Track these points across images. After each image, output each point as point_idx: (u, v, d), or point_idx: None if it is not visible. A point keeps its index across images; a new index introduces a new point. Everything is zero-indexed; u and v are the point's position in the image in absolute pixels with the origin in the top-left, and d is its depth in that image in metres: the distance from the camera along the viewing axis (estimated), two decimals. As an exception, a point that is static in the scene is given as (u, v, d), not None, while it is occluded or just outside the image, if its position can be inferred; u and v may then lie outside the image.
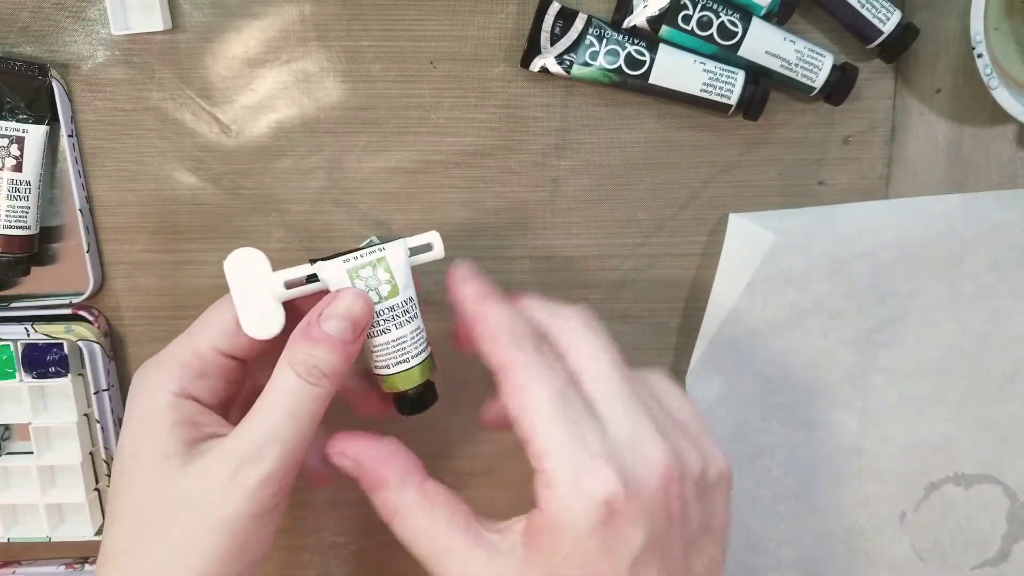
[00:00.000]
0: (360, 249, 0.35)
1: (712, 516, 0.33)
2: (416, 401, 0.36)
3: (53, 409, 0.46)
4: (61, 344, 0.44)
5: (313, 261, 0.35)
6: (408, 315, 0.35)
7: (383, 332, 0.34)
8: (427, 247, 0.36)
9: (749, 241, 0.44)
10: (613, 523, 0.29)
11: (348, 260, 0.34)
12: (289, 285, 0.34)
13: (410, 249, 0.36)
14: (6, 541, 0.47)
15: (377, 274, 0.34)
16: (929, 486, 0.49)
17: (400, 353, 0.35)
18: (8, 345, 0.44)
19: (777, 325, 0.46)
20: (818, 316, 0.46)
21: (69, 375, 0.44)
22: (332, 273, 0.34)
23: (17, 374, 0.44)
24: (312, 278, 0.34)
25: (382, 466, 0.33)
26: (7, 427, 0.47)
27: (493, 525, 0.33)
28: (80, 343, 0.44)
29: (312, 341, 0.32)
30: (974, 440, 0.48)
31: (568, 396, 0.31)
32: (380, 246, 0.35)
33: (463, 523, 0.32)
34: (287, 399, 0.32)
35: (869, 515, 0.49)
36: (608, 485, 0.29)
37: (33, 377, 0.44)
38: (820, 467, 0.48)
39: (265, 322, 0.34)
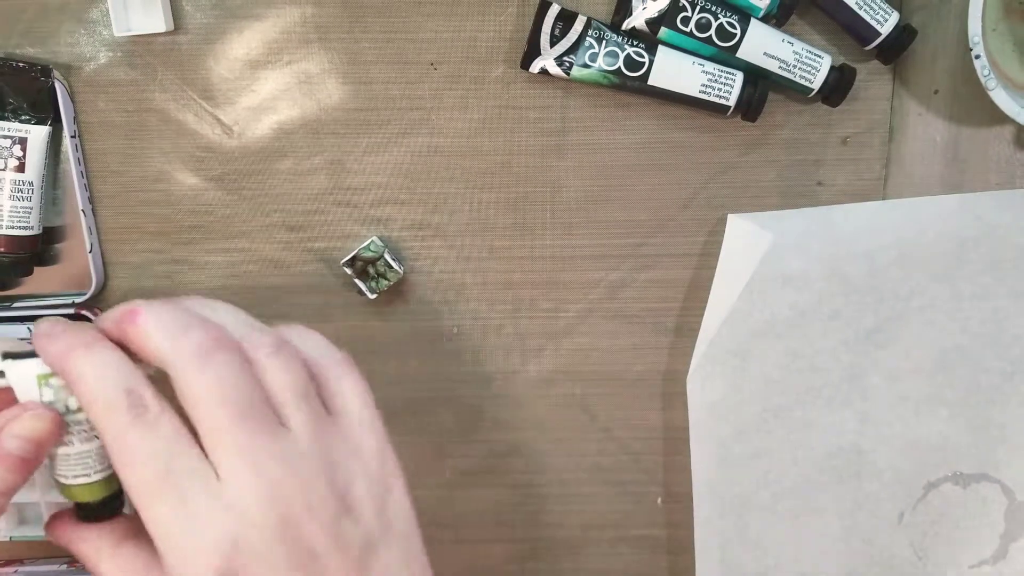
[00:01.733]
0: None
1: (372, 527, 0.32)
2: (98, 511, 0.34)
3: (55, 408, 0.46)
4: (63, 344, 0.44)
5: (7, 356, 0.32)
6: (95, 431, 0.32)
7: (66, 444, 0.32)
8: None
9: (748, 242, 0.44)
10: None
11: (41, 363, 0.31)
12: None
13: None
14: (8, 540, 0.47)
15: (63, 391, 0.31)
16: (928, 485, 0.49)
17: (82, 467, 0.33)
18: (11, 345, 0.44)
19: (776, 325, 0.46)
20: (817, 316, 0.46)
21: (71, 375, 0.45)
22: (20, 376, 0.31)
23: (20, 374, 0.44)
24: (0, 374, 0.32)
25: (84, 549, 0.33)
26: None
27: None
28: (82, 343, 0.44)
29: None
30: (972, 440, 0.48)
31: (171, 468, 0.29)
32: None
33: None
34: None
35: (868, 514, 0.49)
36: (215, 557, 0.28)
37: (35, 377, 0.45)
38: (819, 467, 0.48)
39: None
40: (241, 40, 0.43)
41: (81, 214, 0.44)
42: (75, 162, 0.43)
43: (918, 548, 0.49)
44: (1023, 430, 0.48)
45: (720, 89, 0.42)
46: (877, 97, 0.44)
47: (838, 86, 0.42)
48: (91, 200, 0.45)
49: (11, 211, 0.42)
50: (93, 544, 0.33)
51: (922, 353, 0.47)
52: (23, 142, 0.42)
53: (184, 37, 0.43)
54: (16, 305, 0.45)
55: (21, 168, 0.42)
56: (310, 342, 0.35)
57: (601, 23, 0.42)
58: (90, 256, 0.44)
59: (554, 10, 0.42)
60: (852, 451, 0.48)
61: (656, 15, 0.41)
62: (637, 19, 0.41)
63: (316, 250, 0.46)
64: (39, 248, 0.45)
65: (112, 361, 0.30)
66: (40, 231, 0.44)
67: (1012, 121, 0.41)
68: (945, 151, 0.45)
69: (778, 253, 0.44)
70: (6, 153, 0.42)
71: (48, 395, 0.31)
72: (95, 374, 0.29)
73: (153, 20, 0.42)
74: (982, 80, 0.40)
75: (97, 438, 0.32)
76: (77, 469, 0.33)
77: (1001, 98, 0.40)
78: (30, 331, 0.44)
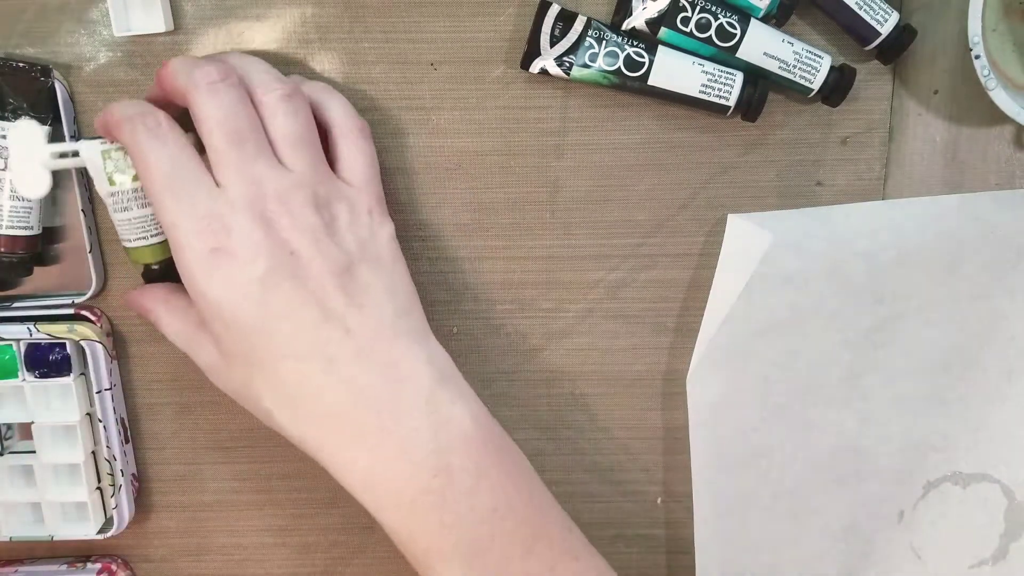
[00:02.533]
0: None
1: (350, 242, 0.37)
2: (157, 275, 0.42)
3: (55, 408, 0.46)
4: (63, 344, 0.44)
5: (78, 139, 0.42)
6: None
7: (125, 210, 0.40)
8: None
9: (747, 242, 0.44)
10: (221, 266, 0.35)
11: (104, 142, 0.39)
12: (57, 156, 0.41)
13: None
14: (8, 540, 0.47)
15: (127, 158, 0.39)
16: (927, 485, 0.49)
17: (141, 230, 0.41)
18: (11, 345, 0.44)
19: (775, 325, 0.46)
20: (816, 316, 0.46)
21: (71, 375, 0.45)
22: (89, 151, 0.40)
23: (19, 373, 0.45)
24: (76, 153, 0.40)
25: (144, 301, 0.42)
26: (9, 426, 0.47)
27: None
28: (82, 343, 0.44)
29: None
30: (972, 439, 0.48)
31: (176, 171, 0.36)
32: None
33: (198, 319, 0.38)
34: None
35: (867, 514, 0.49)
36: (200, 236, 0.35)
37: (35, 376, 0.45)
38: (819, 467, 0.48)
39: (34, 185, 0.41)
40: (241, 40, 0.43)
41: (81, 214, 0.44)
42: (75, 162, 0.43)
43: (918, 548, 0.50)
44: (1023, 430, 0.48)
45: (720, 89, 0.42)
46: (877, 97, 0.44)
47: (838, 86, 0.42)
48: (91, 200, 0.45)
49: (11, 211, 0.42)
50: (150, 294, 0.41)
51: (922, 353, 0.47)
52: (23, 142, 0.42)
53: (184, 37, 0.43)
54: (16, 305, 0.45)
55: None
56: (332, 102, 0.40)
57: (601, 23, 0.42)
58: (90, 256, 0.44)
59: (554, 10, 0.42)
60: (852, 451, 0.48)
61: (656, 15, 0.41)
62: (637, 19, 0.41)
63: (316, 250, 0.46)
64: (39, 248, 0.45)
65: (137, 101, 0.38)
66: (40, 231, 0.44)
67: (1012, 121, 0.41)
68: (945, 151, 0.45)
69: (778, 253, 0.45)
70: (6, 153, 0.42)
71: (111, 166, 0.39)
72: (121, 107, 0.37)
73: (153, 20, 0.42)
74: (982, 80, 0.40)
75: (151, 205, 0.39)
76: (137, 231, 0.41)
77: (1001, 98, 0.40)
78: (30, 331, 0.44)
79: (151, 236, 0.41)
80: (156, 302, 0.41)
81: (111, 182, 0.40)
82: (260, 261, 0.35)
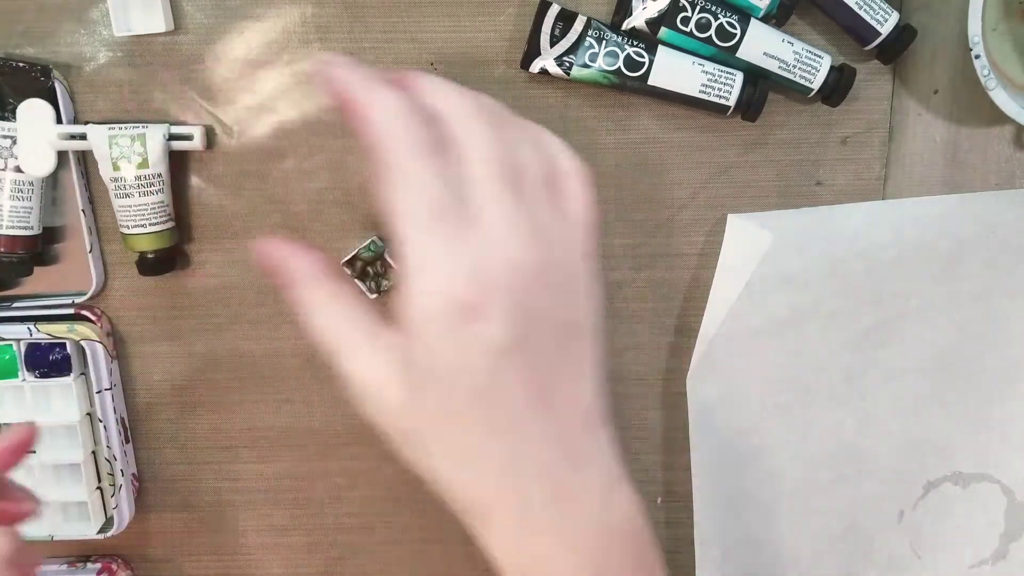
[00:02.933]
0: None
1: (573, 311, 0.34)
2: (151, 264, 0.43)
3: (56, 408, 0.46)
4: (64, 343, 0.44)
5: (87, 123, 0.43)
6: (152, 188, 0.41)
7: (126, 196, 0.41)
8: (188, 136, 0.43)
9: (747, 241, 0.44)
10: (468, 323, 0.31)
11: (112, 128, 0.40)
12: (65, 137, 0.42)
13: (170, 134, 0.42)
14: (9, 540, 0.47)
15: (133, 146, 0.40)
16: (927, 485, 0.49)
17: (139, 218, 0.42)
18: (11, 345, 0.44)
19: (776, 325, 0.46)
20: (816, 316, 0.46)
21: (71, 374, 0.45)
22: (96, 135, 0.41)
23: (20, 373, 0.45)
24: (83, 136, 0.41)
25: (295, 263, 0.35)
26: (10, 426, 0.47)
27: (391, 323, 0.34)
28: (83, 342, 0.44)
29: None
30: (972, 439, 0.48)
31: (444, 205, 0.31)
32: (145, 124, 0.42)
33: (363, 320, 0.34)
34: None
35: (868, 514, 0.49)
36: (459, 287, 0.30)
37: (36, 376, 0.45)
38: (819, 467, 0.48)
39: (40, 163, 0.42)
40: (241, 40, 0.43)
41: (81, 214, 0.44)
42: (75, 162, 0.43)
43: (918, 548, 0.50)
44: (1022, 430, 0.48)
45: (720, 89, 0.42)
46: (877, 97, 0.44)
47: (838, 86, 0.42)
48: (91, 200, 0.45)
49: (11, 211, 0.42)
50: (353, 322, 0.35)
51: (921, 353, 0.47)
52: (23, 142, 0.42)
53: (184, 37, 0.43)
54: (16, 305, 0.45)
55: (21, 168, 0.42)
56: (548, 142, 0.36)
57: (601, 23, 0.42)
58: (90, 256, 0.44)
59: (554, 10, 0.42)
60: (852, 451, 0.48)
61: (656, 15, 0.41)
62: (637, 19, 0.41)
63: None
64: (39, 248, 0.45)
65: (403, 97, 0.32)
66: (40, 231, 0.44)
67: (1012, 121, 0.41)
68: (945, 151, 0.45)
69: (778, 253, 0.44)
70: (6, 153, 0.42)
71: (116, 152, 0.40)
72: (393, 100, 0.32)
73: (153, 20, 0.42)
74: (982, 80, 0.40)
75: (153, 194, 0.41)
76: (137, 219, 0.42)
77: (1001, 98, 0.40)
78: (30, 331, 0.44)
79: (150, 225, 0.42)
80: (358, 332, 0.35)
81: (115, 167, 0.41)
82: (509, 330, 0.32)
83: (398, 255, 0.31)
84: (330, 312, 0.34)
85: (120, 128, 0.41)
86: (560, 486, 0.33)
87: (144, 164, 0.41)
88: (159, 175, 0.42)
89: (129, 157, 0.41)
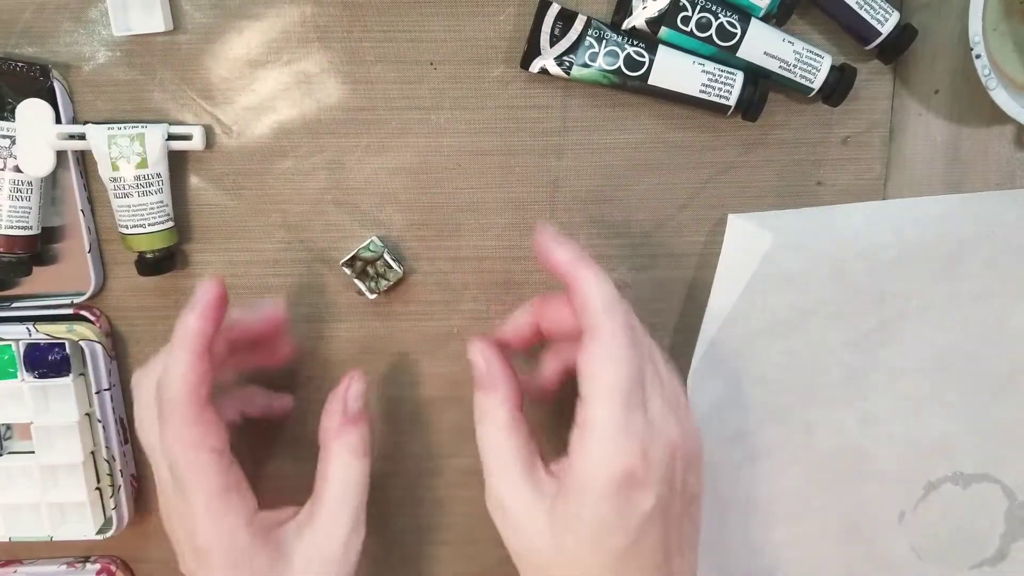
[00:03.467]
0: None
1: (696, 485, 0.38)
2: (150, 264, 0.43)
3: (55, 408, 0.46)
4: (63, 344, 0.44)
5: (87, 122, 0.42)
6: (151, 188, 0.41)
7: (125, 196, 0.41)
8: (187, 136, 0.43)
9: (748, 242, 0.44)
10: (629, 490, 0.34)
11: (111, 128, 0.41)
12: (64, 137, 0.42)
13: (169, 134, 0.42)
14: (7, 540, 0.47)
15: (132, 146, 0.41)
16: (928, 485, 0.49)
17: (138, 218, 0.42)
18: (10, 345, 0.44)
19: (776, 326, 0.46)
20: (817, 316, 0.46)
21: (71, 375, 0.45)
22: (95, 135, 0.41)
23: (19, 374, 0.44)
24: (82, 136, 0.41)
25: (501, 376, 0.39)
26: (9, 426, 0.47)
27: (553, 465, 0.37)
28: (82, 343, 0.44)
29: (353, 423, 0.40)
30: (973, 440, 0.48)
31: (639, 380, 0.35)
32: (144, 124, 0.42)
33: (528, 458, 0.37)
34: (351, 475, 0.40)
35: (868, 515, 0.49)
36: (634, 459, 0.34)
37: (35, 377, 0.45)
38: (820, 467, 0.48)
39: (39, 163, 0.42)
40: (241, 40, 0.43)
41: (80, 214, 0.44)
42: (74, 162, 0.43)
43: (918, 548, 0.49)
44: (1023, 430, 0.48)
45: (720, 89, 0.42)
46: (877, 97, 0.44)
47: (838, 86, 0.42)
48: (90, 200, 0.45)
49: (10, 211, 0.42)
50: (519, 468, 0.38)
51: (922, 353, 0.47)
52: (22, 142, 0.42)
53: (184, 37, 0.43)
54: (16, 305, 0.45)
55: (20, 168, 0.42)
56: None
57: (601, 23, 0.42)
58: (89, 256, 0.44)
59: (554, 10, 0.42)
60: (852, 451, 0.48)
61: (656, 15, 0.41)
62: (637, 19, 0.41)
63: (316, 250, 0.46)
64: (38, 248, 0.45)
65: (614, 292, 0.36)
66: (39, 231, 0.44)
67: (1012, 121, 0.41)
68: (945, 151, 0.45)
69: (778, 253, 0.44)
70: (5, 153, 0.42)
71: (115, 152, 0.41)
72: (603, 279, 0.36)
73: (152, 20, 0.42)
74: (983, 80, 0.40)
75: (152, 194, 0.41)
76: (136, 219, 0.42)
77: (1002, 98, 0.40)
78: (29, 332, 0.44)
79: (149, 225, 0.42)
80: (519, 462, 0.38)
81: (114, 167, 0.41)
82: (658, 501, 0.35)
83: (588, 419, 0.34)
84: (503, 434, 0.38)
85: (119, 128, 0.41)
86: None
87: (143, 164, 0.41)
88: (158, 175, 0.42)
89: (128, 157, 0.41)
